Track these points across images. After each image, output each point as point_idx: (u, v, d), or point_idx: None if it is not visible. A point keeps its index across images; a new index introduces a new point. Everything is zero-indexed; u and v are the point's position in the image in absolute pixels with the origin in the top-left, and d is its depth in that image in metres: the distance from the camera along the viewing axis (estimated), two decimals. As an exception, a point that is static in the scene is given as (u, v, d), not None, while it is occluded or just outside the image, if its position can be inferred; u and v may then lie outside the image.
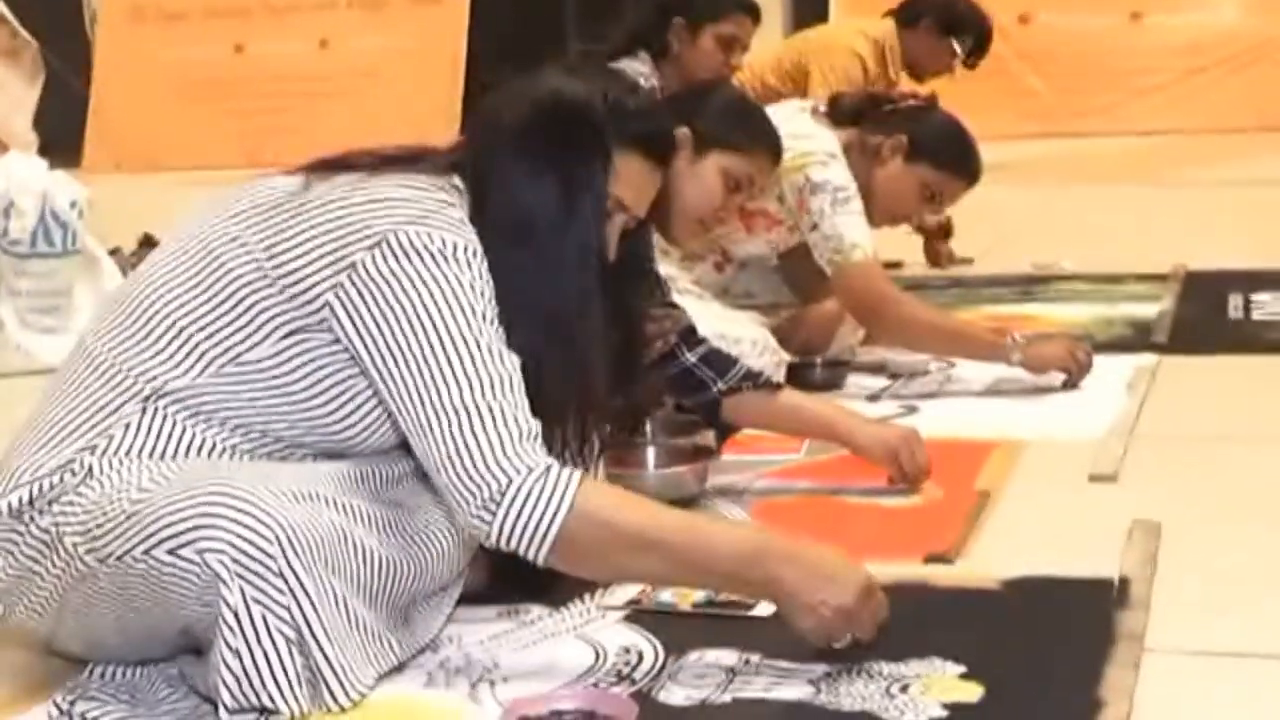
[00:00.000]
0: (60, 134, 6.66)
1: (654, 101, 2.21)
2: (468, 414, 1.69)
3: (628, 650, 1.84)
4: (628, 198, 1.90)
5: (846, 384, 3.26)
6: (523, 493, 1.67)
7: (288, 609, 1.63)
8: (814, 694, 1.69)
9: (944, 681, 1.71)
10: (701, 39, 3.55)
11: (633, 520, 1.72)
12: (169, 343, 1.78)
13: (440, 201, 1.80)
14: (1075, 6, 9.27)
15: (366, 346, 1.74)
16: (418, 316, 1.72)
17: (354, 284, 1.74)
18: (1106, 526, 2.21)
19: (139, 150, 10.04)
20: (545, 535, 1.67)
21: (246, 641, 1.62)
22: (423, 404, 1.71)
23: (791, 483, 2.56)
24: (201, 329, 1.78)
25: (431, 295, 1.72)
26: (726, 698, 1.70)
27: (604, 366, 1.90)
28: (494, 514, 1.67)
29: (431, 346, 1.71)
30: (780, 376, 2.87)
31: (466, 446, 1.68)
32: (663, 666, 1.79)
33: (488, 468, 1.67)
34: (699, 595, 1.96)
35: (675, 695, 1.71)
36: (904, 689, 1.69)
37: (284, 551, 1.63)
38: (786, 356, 3.10)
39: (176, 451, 1.76)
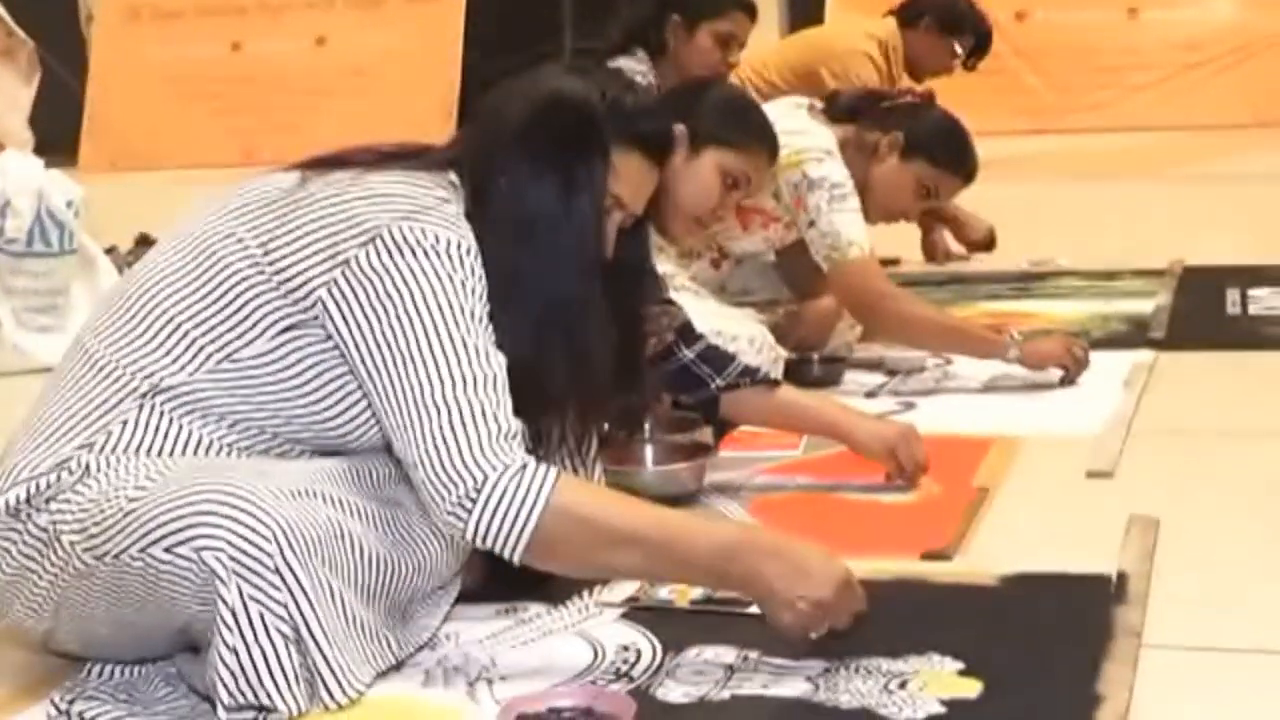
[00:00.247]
0: (56, 133, 6.65)
1: (652, 99, 2.21)
2: (447, 411, 1.69)
3: (626, 648, 1.84)
4: (625, 195, 1.90)
5: (844, 380, 3.26)
6: (498, 490, 1.67)
7: (285, 607, 1.63)
8: (812, 691, 1.69)
9: (942, 678, 1.71)
10: (698, 36, 3.56)
11: (610, 516, 1.71)
12: (166, 339, 1.78)
13: (436, 198, 1.80)
14: (1072, 3, 9.26)
15: (354, 341, 1.74)
16: (405, 312, 1.72)
17: (347, 279, 1.74)
18: (1104, 522, 2.21)
19: (135, 149, 10.02)
20: (521, 533, 1.67)
21: (244, 639, 1.62)
22: (403, 400, 1.70)
23: (789, 479, 2.56)
24: (198, 325, 1.78)
25: (421, 291, 1.72)
26: (725, 695, 1.69)
27: (603, 363, 1.89)
28: (469, 511, 1.67)
29: (417, 342, 1.71)
30: (778, 373, 2.86)
31: (445, 443, 1.68)
32: (661, 664, 1.78)
33: (464, 464, 1.67)
34: (697, 592, 1.95)
35: (673, 692, 1.71)
36: (902, 685, 1.69)
37: (281, 549, 1.63)
38: (784, 353, 3.10)
39: (173, 449, 1.76)
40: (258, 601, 1.62)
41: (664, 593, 1.98)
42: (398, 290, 1.72)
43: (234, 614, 1.62)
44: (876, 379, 3.28)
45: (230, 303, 1.77)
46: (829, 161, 3.13)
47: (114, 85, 10.38)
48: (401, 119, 8.23)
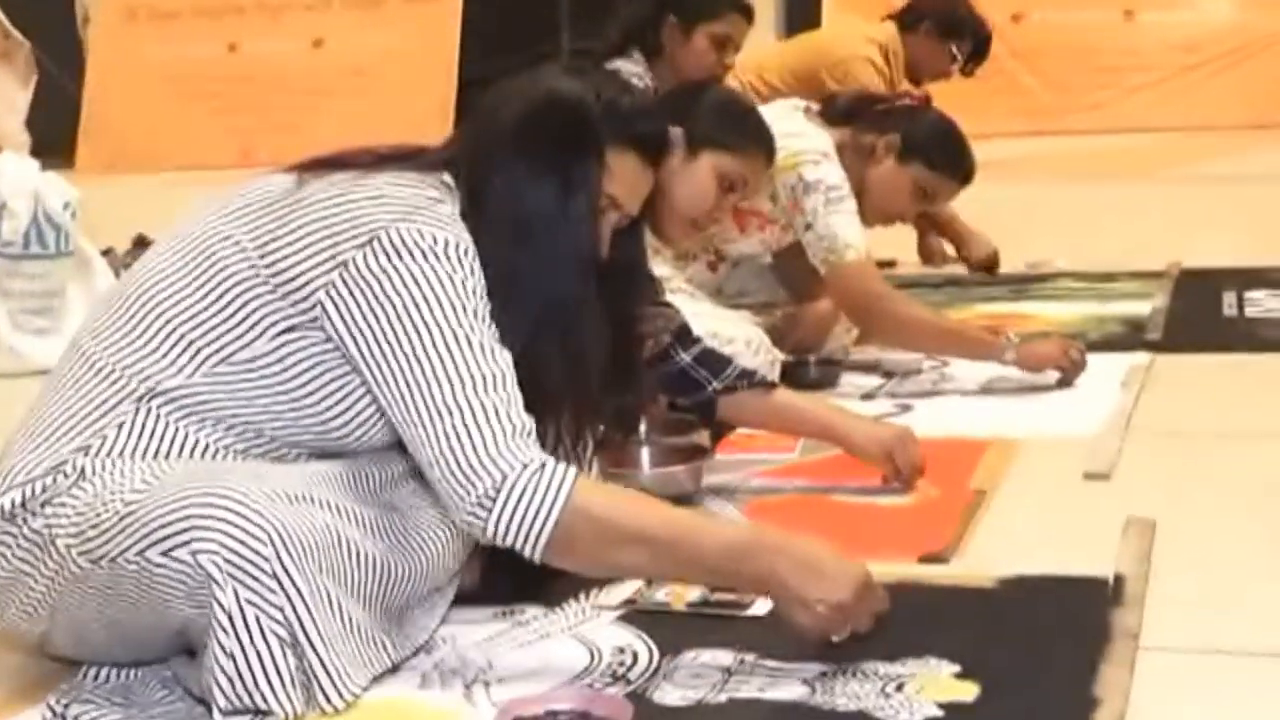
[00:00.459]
0: (53, 135, 6.64)
1: (648, 101, 2.22)
2: (460, 411, 1.69)
3: (622, 650, 1.83)
4: (621, 196, 1.90)
5: (840, 383, 3.26)
6: (518, 488, 1.67)
7: (281, 610, 1.63)
8: (809, 694, 1.69)
9: (939, 681, 1.71)
10: (694, 38, 3.55)
11: (627, 515, 1.71)
12: (163, 341, 1.78)
13: (431, 198, 1.80)
14: (1068, 4, 9.28)
15: (358, 344, 1.74)
16: (409, 314, 1.72)
17: (345, 281, 1.74)
18: (1101, 524, 2.21)
19: (132, 150, 10.01)
20: (542, 530, 1.67)
21: (240, 643, 1.62)
22: (415, 402, 1.70)
23: (786, 482, 2.56)
24: (195, 327, 1.77)
25: (423, 292, 1.72)
26: (722, 698, 1.69)
27: (599, 364, 1.90)
28: (489, 510, 1.67)
29: (423, 344, 1.71)
30: (774, 376, 2.86)
31: (460, 443, 1.68)
32: (658, 667, 1.78)
33: (481, 464, 1.67)
34: (693, 595, 1.95)
35: (670, 695, 1.70)
36: (899, 688, 1.69)
37: (277, 553, 1.63)
38: (781, 356, 3.10)
39: (170, 452, 1.76)
40: (254, 605, 1.62)
41: (661, 595, 1.98)
42: (399, 292, 1.72)
43: (230, 617, 1.62)
44: (873, 381, 3.28)
45: (227, 305, 1.77)
46: (826, 164, 3.13)
47: (111, 86, 10.38)
48: (399, 119, 8.23)
